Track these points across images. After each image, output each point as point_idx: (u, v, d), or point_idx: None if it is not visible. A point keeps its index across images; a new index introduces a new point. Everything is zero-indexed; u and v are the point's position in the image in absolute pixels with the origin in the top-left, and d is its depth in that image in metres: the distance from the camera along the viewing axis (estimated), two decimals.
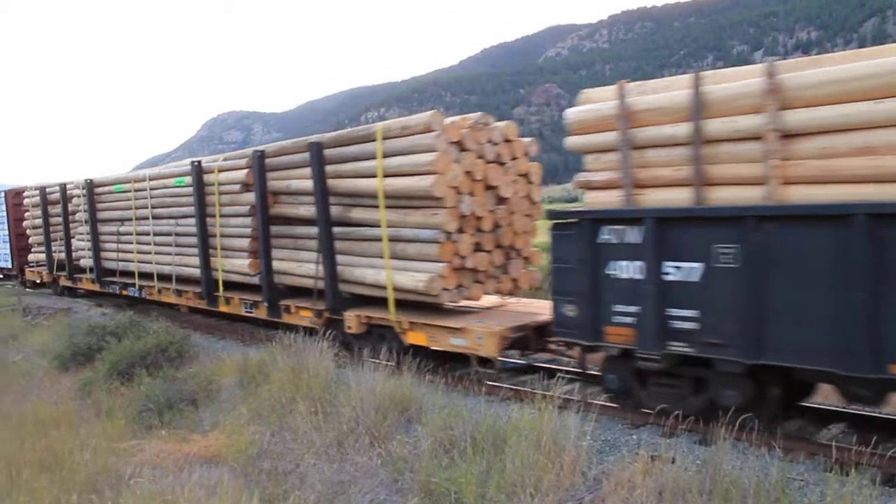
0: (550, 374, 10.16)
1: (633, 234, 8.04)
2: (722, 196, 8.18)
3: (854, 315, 6.49)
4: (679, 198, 8.45)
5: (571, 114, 9.52)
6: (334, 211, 12.81)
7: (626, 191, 8.92)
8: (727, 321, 7.34)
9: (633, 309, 8.11)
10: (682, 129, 8.36)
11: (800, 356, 6.91)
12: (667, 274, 7.76)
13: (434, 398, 9.13)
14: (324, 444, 8.21)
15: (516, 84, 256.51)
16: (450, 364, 11.75)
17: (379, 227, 11.92)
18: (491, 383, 10.53)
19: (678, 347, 7.79)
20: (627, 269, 8.12)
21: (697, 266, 7.54)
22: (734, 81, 8.12)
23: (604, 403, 8.94)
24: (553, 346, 10.55)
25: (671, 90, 8.69)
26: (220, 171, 15.73)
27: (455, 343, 10.76)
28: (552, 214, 9.11)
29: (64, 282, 24.24)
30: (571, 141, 9.50)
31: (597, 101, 9.36)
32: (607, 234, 8.30)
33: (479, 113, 11.91)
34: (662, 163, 8.71)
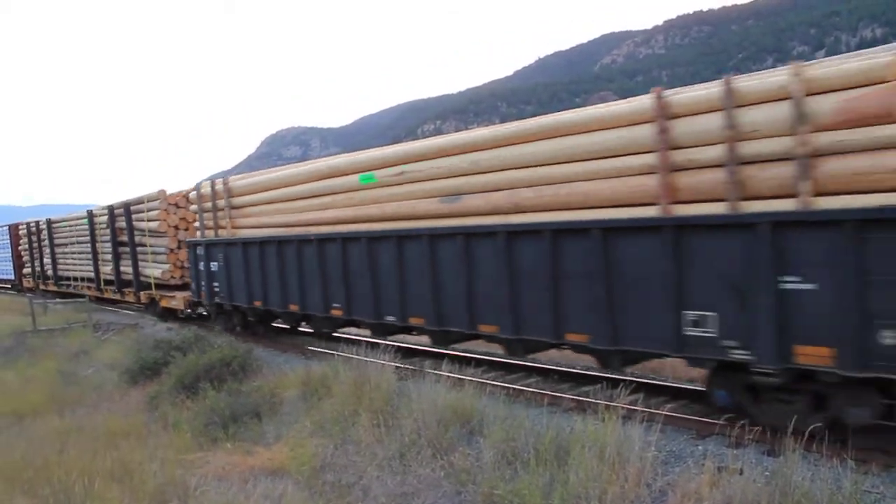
0: (614, 383, 10.01)
1: None
2: None
3: None
4: None
5: None
6: (136, 238, 25.37)
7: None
8: None
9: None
10: None
11: None
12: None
13: (496, 409, 9.07)
14: (386, 457, 8.24)
15: (572, 93, 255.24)
16: (513, 374, 11.73)
17: (147, 245, 24.67)
18: (553, 393, 10.46)
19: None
20: None
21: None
22: None
23: (668, 414, 8.79)
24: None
25: None
26: (96, 216, 28.97)
27: (172, 303, 22.88)
28: None
29: (41, 285, 36.15)
30: None
31: None
32: None
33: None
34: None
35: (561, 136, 10.33)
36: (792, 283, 7.70)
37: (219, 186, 18.79)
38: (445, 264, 11.63)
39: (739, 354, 8.12)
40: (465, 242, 11.23)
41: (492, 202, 11.31)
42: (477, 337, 11.86)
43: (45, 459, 9.46)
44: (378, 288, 13.10)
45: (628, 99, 10.06)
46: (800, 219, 7.63)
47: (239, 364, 13.35)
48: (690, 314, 8.59)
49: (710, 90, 8.71)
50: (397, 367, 11.09)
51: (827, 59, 8.50)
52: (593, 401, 9.34)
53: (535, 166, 10.65)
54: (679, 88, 9.36)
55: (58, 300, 30.08)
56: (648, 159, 9.18)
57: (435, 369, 11.70)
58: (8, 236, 39.94)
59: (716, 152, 8.52)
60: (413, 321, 12.50)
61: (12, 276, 40.50)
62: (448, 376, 10.01)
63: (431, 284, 11.85)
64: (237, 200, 18.33)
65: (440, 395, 9.08)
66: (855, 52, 8.31)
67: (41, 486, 8.41)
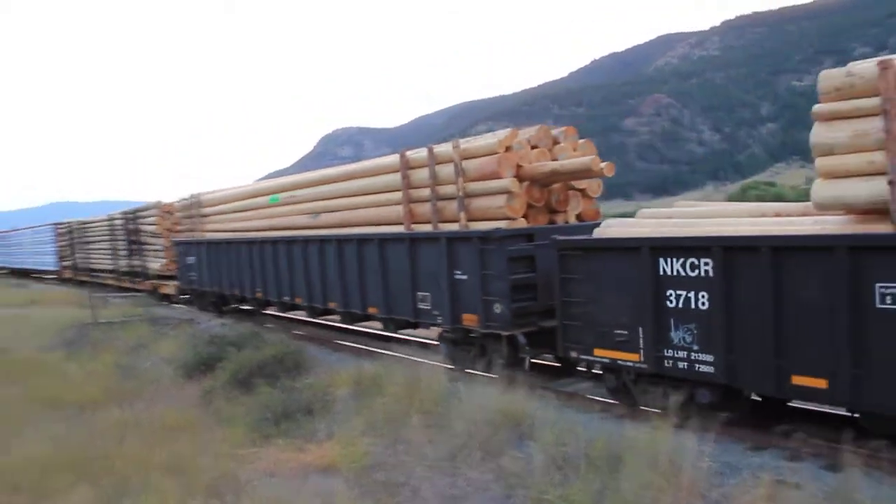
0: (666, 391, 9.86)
1: None
2: None
3: None
4: None
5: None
6: (142, 238, 31.64)
7: None
8: None
9: None
10: None
11: None
12: None
13: (546, 414, 9.06)
14: (436, 458, 8.27)
15: (626, 95, 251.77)
16: (562, 379, 11.70)
17: (149, 244, 30.31)
18: (605, 400, 10.41)
19: None
20: None
21: None
22: None
23: (724, 424, 8.60)
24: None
25: None
26: (114, 219, 35.06)
27: (167, 290, 28.42)
28: None
29: (77, 276, 42.17)
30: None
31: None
32: None
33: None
34: None
35: (360, 177, 16.77)
36: (459, 275, 12.78)
37: (193, 199, 25.82)
38: (311, 260, 17.24)
39: (438, 320, 13.48)
40: (320, 246, 16.86)
41: (333, 219, 17.42)
42: (327, 312, 17.57)
43: (105, 450, 9.69)
44: (279, 276, 18.91)
45: (389, 156, 16.14)
46: (457, 236, 12.97)
47: (292, 361, 13.49)
48: (420, 294, 13.84)
49: (421, 153, 14.55)
50: (448, 369, 11.14)
51: (474, 137, 15.13)
52: (646, 408, 9.32)
53: (350, 196, 16.90)
54: (416, 149, 15.01)
55: (117, 294, 31.85)
56: (397, 195, 15.01)
57: (484, 372, 11.72)
58: (53, 234, 45.88)
59: (427, 193, 14.18)
60: (297, 300, 18.31)
61: (55, 269, 46.40)
62: (498, 379, 10.01)
63: (304, 274, 17.62)
64: (205, 210, 25.18)
65: (491, 397, 9.09)
66: (491, 133, 14.21)
67: (102, 475, 8.63)
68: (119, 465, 8.97)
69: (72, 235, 42.99)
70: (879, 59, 7.69)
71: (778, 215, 9.26)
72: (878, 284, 7.30)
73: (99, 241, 38.05)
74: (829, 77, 8.13)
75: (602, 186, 13.92)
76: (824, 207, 8.31)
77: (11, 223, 73.94)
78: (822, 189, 8.21)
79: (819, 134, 8.22)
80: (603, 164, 12.42)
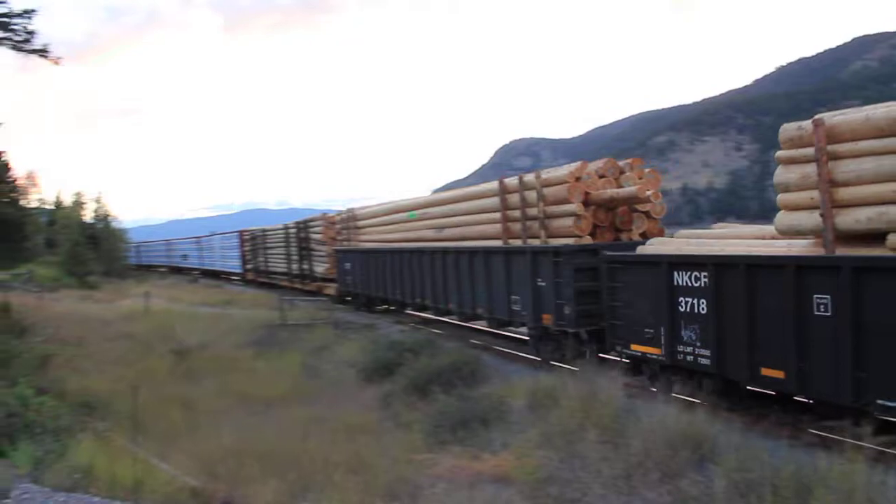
0: (856, 419, 9.37)
1: None
2: None
3: None
4: None
5: None
6: (311, 245, 35.79)
7: None
8: None
9: None
10: None
11: None
12: None
13: (729, 437, 8.67)
14: (612, 475, 8.07)
15: (816, 102, 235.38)
16: (748, 402, 11.19)
17: (315, 250, 35.30)
18: (794, 426, 9.87)
19: None
20: None
21: None
22: None
23: None
24: None
25: None
26: (288, 228, 39.15)
27: (329, 291, 32.35)
28: None
29: (258, 277, 47.16)
30: None
31: None
32: None
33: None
34: None
35: (471, 199, 20.68)
36: (540, 283, 15.53)
37: (349, 213, 30.55)
38: (436, 268, 20.58)
39: (525, 320, 16.37)
40: (442, 256, 20.24)
41: (454, 234, 21.08)
42: (448, 312, 20.65)
43: (290, 445, 10.19)
44: (412, 281, 22.31)
45: (492, 182, 19.33)
46: (538, 250, 15.89)
47: (469, 370, 13.68)
48: (513, 297, 16.73)
49: (514, 180, 17.86)
50: (626, 385, 10.93)
51: (553, 168, 17.56)
52: (839, 437, 8.76)
53: (464, 215, 20.77)
54: (511, 177, 18.54)
55: (303, 298, 33.49)
56: (497, 215, 18.41)
57: (663, 391, 11.41)
58: (238, 240, 51.01)
59: (518, 213, 17.47)
60: (426, 302, 21.67)
61: (240, 271, 51.46)
62: (679, 398, 9.71)
63: (430, 280, 20.99)
64: (358, 223, 29.45)
65: (670, 416, 8.82)
66: (566, 165, 17.06)
67: (288, 469, 9.08)
68: (303, 461, 9.38)
69: (254, 242, 47.76)
70: (816, 116, 9.85)
71: (774, 238, 11.13)
72: (815, 295, 9.36)
73: (276, 247, 42.54)
74: (786, 129, 10.40)
75: (665, 208, 16.14)
76: (783, 233, 10.61)
77: (210, 228, 79.97)
78: (782, 219, 10.49)
79: (779, 175, 10.48)
80: (650, 192, 15.07)
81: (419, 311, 24.02)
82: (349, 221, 29.94)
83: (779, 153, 10.47)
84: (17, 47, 23.85)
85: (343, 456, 9.50)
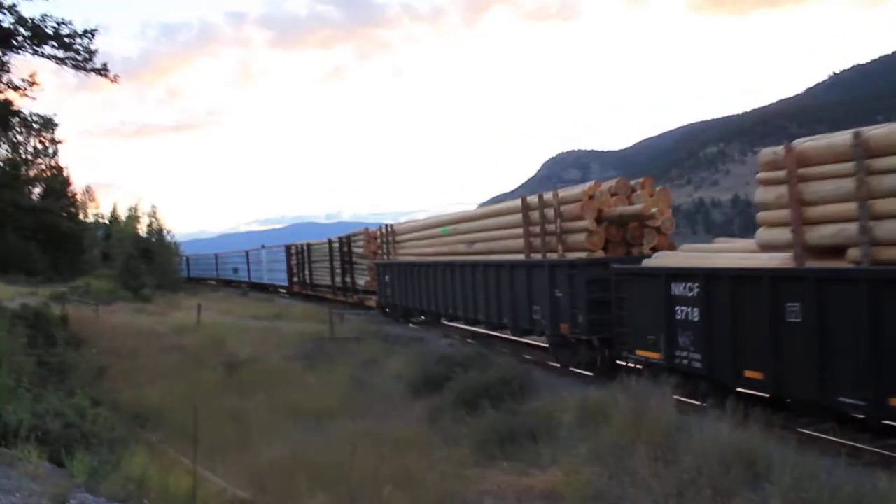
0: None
1: None
2: None
3: None
4: None
5: None
6: (354, 259, 36.97)
7: None
8: None
9: None
10: None
11: None
12: None
13: (784, 455, 8.47)
14: (663, 493, 7.93)
15: (873, 110, 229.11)
16: (805, 418, 10.96)
17: (357, 264, 36.82)
18: (853, 444, 9.61)
19: None
20: None
21: None
22: None
23: None
24: None
25: None
26: (333, 242, 40.50)
27: (370, 302, 33.79)
28: None
29: (302, 290, 48.64)
30: None
31: None
32: None
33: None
34: None
35: (497, 216, 22.13)
36: (557, 294, 16.58)
37: (388, 229, 31.83)
38: (466, 280, 21.87)
39: (545, 328, 17.51)
40: (471, 269, 21.58)
41: (484, 248, 22.14)
42: (477, 322, 21.99)
43: (339, 459, 10.20)
44: (445, 293, 23.49)
45: (515, 200, 21.20)
46: (555, 263, 17.13)
47: (518, 385, 13.60)
48: (535, 307, 17.76)
49: (534, 198, 19.05)
50: (678, 401, 10.78)
51: (571, 186, 19.92)
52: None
53: (492, 230, 21.90)
54: (532, 195, 19.80)
55: (352, 311, 33.92)
56: (520, 230, 19.62)
57: (717, 406, 11.21)
58: (285, 254, 52.73)
59: (538, 229, 18.53)
60: (458, 312, 22.86)
61: (286, 283, 52.95)
62: (732, 414, 9.52)
63: (461, 291, 22.28)
64: (396, 238, 30.72)
65: (723, 433, 8.67)
66: (583, 184, 18.55)
67: (337, 483, 9.09)
68: (352, 475, 9.39)
69: (300, 255, 49.13)
70: (788, 143, 11.09)
71: (757, 251, 12.13)
72: (787, 304, 10.41)
73: (320, 261, 44.04)
74: (764, 154, 11.56)
75: (675, 224, 17.29)
76: (763, 248, 11.71)
77: (261, 241, 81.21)
78: (761, 234, 11.65)
79: (759, 195, 11.60)
80: (654, 210, 16.29)
81: (451, 322, 25.14)
82: (388, 236, 31.30)
83: (758, 175, 11.57)
84: (79, 66, 24.48)
85: (391, 470, 9.48)
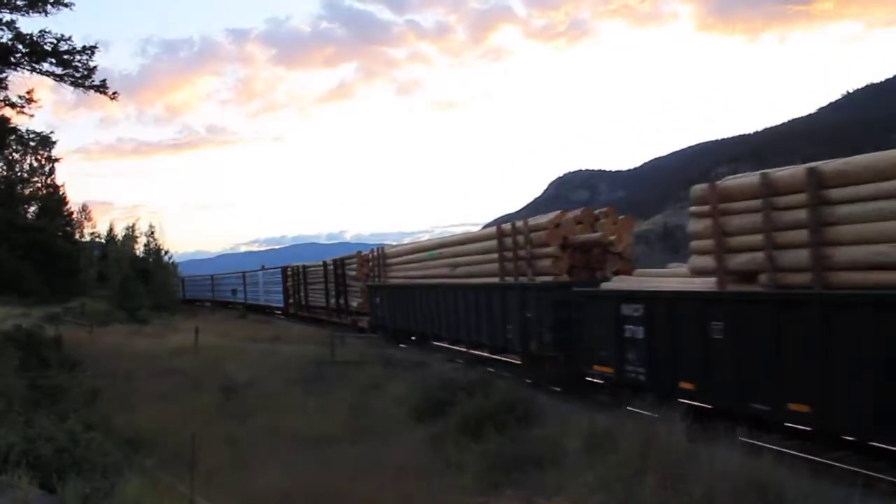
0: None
1: None
2: None
3: None
4: None
5: None
6: (347, 281, 38.05)
7: None
8: None
9: None
10: None
11: None
12: None
13: (797, 484, 8.28)
14: None
15: (887, 129, 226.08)
16: (818, 446, 10.75)
17: (350, 286, 37.54)
18: (867, 473, 9.38)
19: None
20: None
21: None
22: None
23: None
24: None
25: None
26: (327, 265, 41.27)
27: (362, 324, 34.29)
28: None
29: (299, 312, 49.01)
30: None
31: None
32: None
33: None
34: None
35: (476, 241, 23.39)
36: (528, 314, 18.13)
37: (379, 252, 32.90)
38: (448, 302, 23.21)
39: (517, 346, 18.94)
40: (453, 292, 22.94)
41: (465, 272, 23.22)
42: (459, 341, 23.37)
43: (338, 486, 9.98)
44: (430, 314, 24.68)
45: (491, 227, 22.80)
46: (525, 286, 18.64)
47: (523, 410, 13.36)
48: (508, 327, 19.23)
49: (507, 226, 20.52)
50: (688, 427, 10.54)
51: (542, 215, 20.04)
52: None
53: (472, 255, 23.05)
54: (506, 223, 21.18)
55: (353, 335, 33.24)
56: (496, 255, 20.82)
57: (727, 434, 10.99)
58: (281, 276, 53.50)
59: (511, 255, 19.90)
60: (442, 333, 24.15)
61: (282, 305, 53.62)
62: (743, 442, 9.31)
63: (444, 313, 23.59)
64: (387, 261, 31.56)
65: (734, 461, 8.46)
66: (550, 213, 19.46)
67: None
68: (352, 502, 9.17)
69: (296, 277, 49.91)
70: (712, 182, 12.65)
71: (692, 277, 13.43)
72: (712, 322, 11.91)
73: (315, 283, 45.23)
74: (695, 190, 12.95)
75: (635, 250, 19.01)
76: (694, 273, 13.03)
77: (260, 262, 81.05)
78: (694, 261, 12.97)
79: (691, 226, 12.95)
80: (613, 237, 17.73)
81: (438, 342, 26.01)
82: (379, 259, 32.56)
83: (691, 208, 12.99)
84: (77, 83, 24.40)
85: (393, 497, 9.31)
